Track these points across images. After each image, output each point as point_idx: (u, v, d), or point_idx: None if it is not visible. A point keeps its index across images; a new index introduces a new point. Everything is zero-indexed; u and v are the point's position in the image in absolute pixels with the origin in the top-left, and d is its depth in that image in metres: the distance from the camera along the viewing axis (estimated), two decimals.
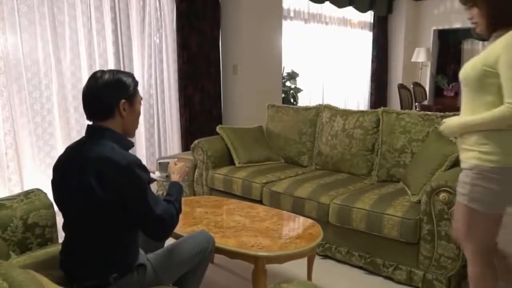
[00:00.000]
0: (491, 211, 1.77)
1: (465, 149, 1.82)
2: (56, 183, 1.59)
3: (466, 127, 1.80)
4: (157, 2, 4.38)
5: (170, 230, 1.62)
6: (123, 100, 1.56)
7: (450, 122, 1.89)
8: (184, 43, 4.52)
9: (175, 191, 1.74)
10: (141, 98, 1.68)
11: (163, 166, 2.03)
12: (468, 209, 1.79)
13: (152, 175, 1.84)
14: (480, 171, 1.73)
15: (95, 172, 1.45)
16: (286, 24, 5.57)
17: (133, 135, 1.69)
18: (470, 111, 1.80)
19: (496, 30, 1.75)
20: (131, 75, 1.63)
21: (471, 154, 1.77)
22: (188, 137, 4.62)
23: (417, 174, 2.69)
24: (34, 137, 3.66)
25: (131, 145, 1.64)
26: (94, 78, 1.56)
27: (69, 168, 1.53)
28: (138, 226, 1.59)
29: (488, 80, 1.72)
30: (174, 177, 1.86)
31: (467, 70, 1.81)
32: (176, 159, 2.03)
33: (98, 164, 1.46)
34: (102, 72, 1.58)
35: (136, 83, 1.63)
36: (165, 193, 1.75)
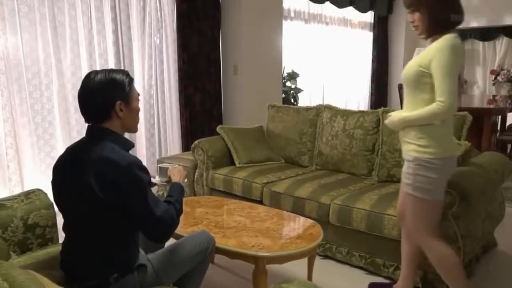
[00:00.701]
0: (433, 198, 1.98)
1: (406, 142, 2.03)
2: (56, 184, 1.59)
3: (405, 122, 2.02)
4: (158, 2, 4.38)
5: (170, 232, 1.61)
6: (119, 101, 1.55)
7: (393, 117, 2.09)
8: (184, 43, 4.52)
9: (176, 193, 1.74)
10: (138, 94, 1.67)
11: (163, 171, 2.03)
12: (414, 198, 2.00)
13: (152, 179, 1.84)
14: (420, 162, 1.95)
15: (95, 173, 1.45)
16: (286, 24, 5.56)
17: (135, 130, 1.68)
18: (411, 108, 2.00)
19: (433, 34, 1.95)
20: (125, 72, 1.61)
21: (411, 147, 1.99)
22: (188, 137, 4.62)
23: None
24: (34, 137, 3.67)
25: (132, 145, 1.64)
26: (88, 78, 1.55)
27: (69, 168, 1.53)
28: (138, 228, 1.58)
29: (424, 80, 1.93)
30: (175, 179, 1.86)
31: (406, 70, 2.01)
32: (176, 165, 2.04)
33: (98, 165, 1.46)
34: (96, 72, 1.56)
35: (131, 79, 1.61)
36: (165, 194, 1.75)
